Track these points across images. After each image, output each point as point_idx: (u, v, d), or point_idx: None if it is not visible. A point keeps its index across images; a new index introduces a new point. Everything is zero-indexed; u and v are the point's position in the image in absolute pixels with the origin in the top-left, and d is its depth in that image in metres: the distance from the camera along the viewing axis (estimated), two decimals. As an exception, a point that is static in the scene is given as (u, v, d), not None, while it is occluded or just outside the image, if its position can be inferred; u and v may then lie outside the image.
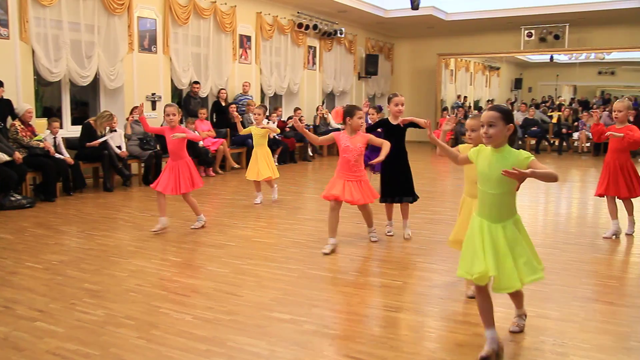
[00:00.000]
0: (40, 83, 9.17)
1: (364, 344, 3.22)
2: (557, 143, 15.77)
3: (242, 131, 7.79)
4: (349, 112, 5.14)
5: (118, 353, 3.07)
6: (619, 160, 5.62)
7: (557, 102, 18.52)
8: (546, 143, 15.70)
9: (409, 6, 13.00)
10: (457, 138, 16.66)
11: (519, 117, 15.30)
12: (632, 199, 5.71)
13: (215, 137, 10.70)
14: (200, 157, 10.06)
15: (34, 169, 7.69)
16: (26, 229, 6.10)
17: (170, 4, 10.43)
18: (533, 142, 15.53)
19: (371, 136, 5.23)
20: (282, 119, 13.02)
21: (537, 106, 17.04)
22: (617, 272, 4.63)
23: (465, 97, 19.31)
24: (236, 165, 10.95)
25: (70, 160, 8.16)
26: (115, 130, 9.00)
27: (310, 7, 13.93)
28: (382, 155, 5.01)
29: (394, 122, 5.43)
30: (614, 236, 5.66)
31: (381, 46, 18.21)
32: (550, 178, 2.79)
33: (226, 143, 10.84)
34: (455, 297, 4.01)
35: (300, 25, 13.90)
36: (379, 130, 5.60)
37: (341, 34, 15.31)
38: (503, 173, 2.73)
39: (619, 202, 5.72)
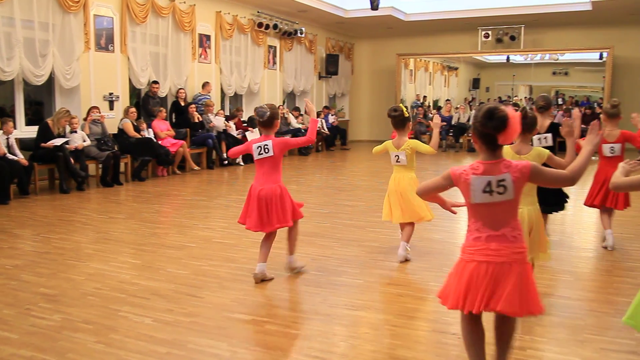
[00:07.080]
0: (-8, 82, 8.91)
1: (325, 342, 3.24)
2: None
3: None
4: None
5: (75, 358, 3.01)
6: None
7: (513, 101, 18.94)
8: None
9: (369, 6, 13.09)
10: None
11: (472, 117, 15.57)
12: None
13: (174, 138, 10.57)
14: (160, 157, 9.94)
15: (-15, 171, 7.45)
16: (-22, 233, 5.93)
17: (127, 2, 10.23)
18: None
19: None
20: (242, 119, 12.95)
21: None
22: (571, 267, 4.76)
23: (424, 96, 19.56)
24: (196, 167, 10.86)
25: (24, 162, 7.94)
26: (75, 132, 8.81)
27: (270, 6, 13.88)
28: None
29: None
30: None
31: (341, 46, 18.28)
32: None
33: (186, 144, 10.71)
34: (415, 295, 4.06)
35: (260, 25, 13.83)
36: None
37: (301, 33, 15.29)
38: None
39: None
